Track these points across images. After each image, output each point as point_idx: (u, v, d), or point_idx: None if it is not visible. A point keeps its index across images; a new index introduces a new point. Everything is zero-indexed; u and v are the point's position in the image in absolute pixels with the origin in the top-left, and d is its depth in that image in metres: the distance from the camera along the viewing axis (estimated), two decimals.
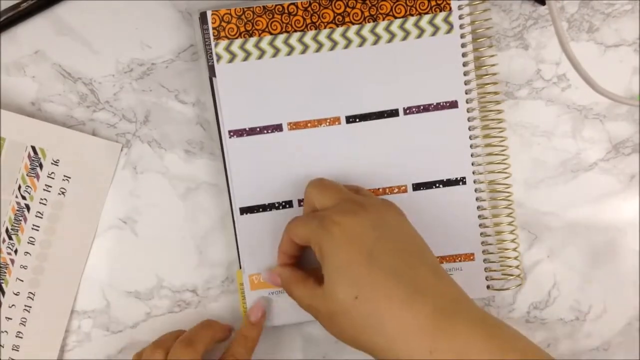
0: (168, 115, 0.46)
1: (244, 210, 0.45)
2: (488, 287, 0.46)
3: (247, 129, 0.45)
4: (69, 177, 0.45)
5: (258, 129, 0.45)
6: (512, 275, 0.46)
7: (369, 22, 0.44)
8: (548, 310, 0.48)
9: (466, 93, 0.45)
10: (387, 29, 0.44)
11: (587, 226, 0.48)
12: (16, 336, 0.45)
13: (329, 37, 0.44)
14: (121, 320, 0.47)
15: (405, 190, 0.45)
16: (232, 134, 0.45)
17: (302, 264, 0.44)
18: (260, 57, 0.44)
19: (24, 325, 0.45)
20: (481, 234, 0.46)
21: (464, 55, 0.44)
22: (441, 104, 0.45)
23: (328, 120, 0.45)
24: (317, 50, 0.44)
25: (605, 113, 0.47)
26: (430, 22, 0.44)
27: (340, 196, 0.40)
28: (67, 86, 0.46)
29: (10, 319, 0.45)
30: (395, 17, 0.44)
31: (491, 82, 0.46)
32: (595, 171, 0.48)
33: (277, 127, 0.45)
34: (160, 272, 0.47)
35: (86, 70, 0.46)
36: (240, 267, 0.45)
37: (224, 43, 0.44)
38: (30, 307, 0.45)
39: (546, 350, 0.48)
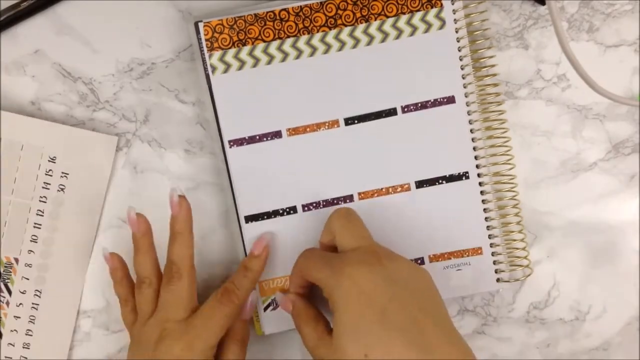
0: (168, 114, 0.46)
1: (249, 219, 0.45)
2: (498, 279, 0.46)
3: (247, 138, 0.45)
4: (67, 174, 0.45)
5: (257, 137, 0.45)
6: (521, 265, 0.46)
7: (361, 23, 0.44)
8: (548, 310, 0.48)
9: (464, 87, 0.45)
10: (379, 28, 0.44)
11: (587, 226, 0.48)
12: (26, 334, 0.45)
13: (322, 40, 0.44)
14: (121, 320, 0.47)
15: (408, 189, 0.45)
16: (232, 143, 0.45)
17: (313, 295, 0.43)
18: (254, 65, 0.44)
19: (33, 323, 0.45)
20: (487, 227, 0.46)
21: (458, 50, 0.44)
22: (439, 100, 0.45)
23: (327, 124, 0.45)
24: (311, 54, 0.44)
25: (605, 113, 0.47)
26: (423, 19, 0.44)
27: (360, 241, 0.39)
28: (67, 86, 0.46)
29: (19, 317, 0.45)
30: (388, 17, 0.44)
31: (489, 75, 0.46)
32: (595, 171, 0.48)
33: (277, 134, 0.45)
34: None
35: (86, 70, 0.46)
36: None
37: (217, 54, 0.44)
38: (38, 304, 0.45)
39: (546, 350, 0.48)
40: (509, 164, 0.46)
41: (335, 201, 0.45)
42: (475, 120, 0.45)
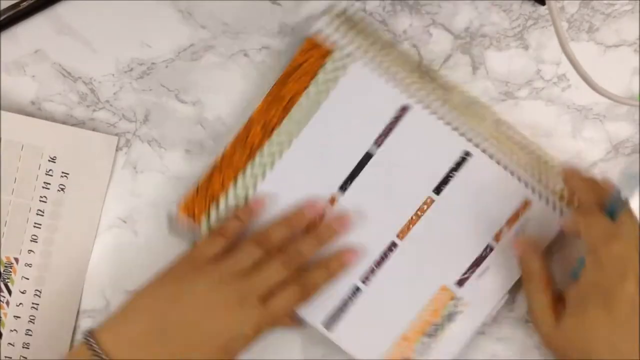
0: (168, 114, 0.46)
1: (329, 323, 0.45)
2: (561, 212, 0.46)
3: None
4: (67, 173, 0.45)
5: None
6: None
7: (288, 110, 0.45)
8: None
9: (406, 91, 0.45)
10: (309, 99, 0.45)
11: None
12: (26, 334, 0.45)
13: (269, 153, 0.45)
14: None
15: (432, 201, 0.45)
16: None
17: None
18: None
19: (33, 323, 0.45)
20: (519, 179, 0.45)
21: (379, 66, 0.45)
22: (396, 116, 0.45)
23: (329, 202, 0.45)
24: (272, 165, 0.45)
25: (605, 113, 0.47)
26: (334, 66, 0.45)
27: None
28: (67, 85, 0.46)
29: (19, 317, 0.45)
30: (307, 87, 0.45)
31: (418, 64, 0.46)
32: (595, 171, 0.48)
33: None
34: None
35: (86, 70, 0.46)
36: None
37: (204, 222, 0.44)
38: (38, 304, 0.45)
39: (546, 350, 0.48)
40: (490, 117, 0.46)
41: (383, 256, 0.45)
42: (440, 106, 0.45)
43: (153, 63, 0.46)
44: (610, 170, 0.48)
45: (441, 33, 0.46)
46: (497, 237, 0.46)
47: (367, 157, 0.45)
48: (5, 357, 0.45)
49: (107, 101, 0.46)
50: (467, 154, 0.45)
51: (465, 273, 0.45)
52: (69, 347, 0.46)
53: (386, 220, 0.45)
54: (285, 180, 0.45)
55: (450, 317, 0.45)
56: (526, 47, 0.47)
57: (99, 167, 0.46)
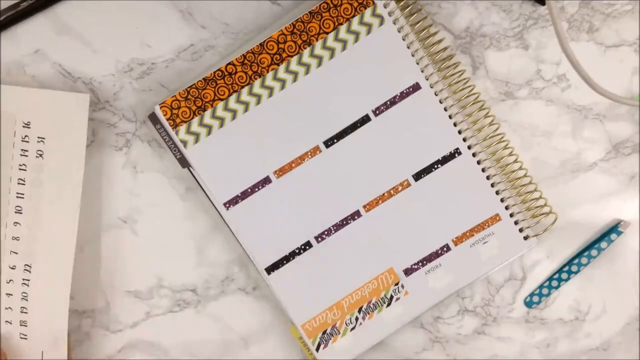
0: None
1: (270, 269, 0.45)
2: (525, 237, 0.46)
3: (240, 194, 0.45)
4: (44, 138, 0.44)
5: (249, 190, 0.45)
6: (544, 214, 0.46)
7: (304, 48, 0.44)
8: (548, 310, 0.48)
9: (422, 72, 0.45)
10: (324, 47, 0.44)
11: (587, 226, 0.48)
12: (21, 312, 0.44)
13: (275, 78, 0.44)
14: (121, 320, 0.47)
15: (408, 184, 0.45)
16: (227, 205, 0.45)
17: None
18: (221, 125, 0.44)
19: (27, 300, 0.44)
20: (496, 192, 0.46)
21: (403, 39, 0.44)
22: (404, 91, 0.45)
23: (309, 153, 0.45)
24: (270, 95, 0.44)
25: (605, 113, 0.48)
26: (361, 22, 0.44)
27: None
28: (67, 86, 0.46)
29: (11, 294, 0.44)
30: (327, 33, 0.44)
31: (440, 50, 0.45)
32: (595, 171, 0.48)
33: (266, 180, 0.45)
34: (160, 271, 0.47)
35: (86, 70, 0.46)
36: (293, 323, 0.46)
37: (183, 127, 0.44)
38: (29, 280, 0.44)
39: (546, 350, 0.48)
40: (494, 124, 0.46)
41: (344, 222, 0.45)
42: (446, 97, 0.45)
43: (153, 63, 0.46)
44: (610, 170, 0.48)
45: (441, 33, 0.46)
46: (457, 240, 0.46)
47: (362, 121, 0.45)
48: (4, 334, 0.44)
49: (107, 101, 0.46)
50: (458, 152, 0.45)
51: (416, 264, 0.46)
52: (67, 317, 0.45)
53: (357, 189, 0.45)
54: (274, 114, 0.45)
55: (389, 300, 0.46)
56: (526, 47, 0.47)
57: (73, 127, 0.44)
